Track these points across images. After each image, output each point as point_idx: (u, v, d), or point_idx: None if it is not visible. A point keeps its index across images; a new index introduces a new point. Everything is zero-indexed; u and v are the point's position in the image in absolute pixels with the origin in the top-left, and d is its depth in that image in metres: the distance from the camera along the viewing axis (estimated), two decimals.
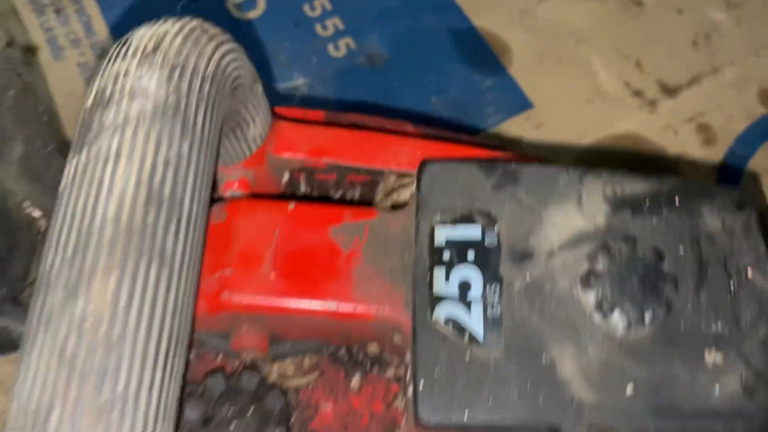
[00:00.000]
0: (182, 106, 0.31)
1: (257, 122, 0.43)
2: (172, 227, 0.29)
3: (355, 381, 0.47)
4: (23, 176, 0.44)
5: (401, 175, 0.48)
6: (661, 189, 0.44)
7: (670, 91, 0.94)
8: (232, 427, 0.40)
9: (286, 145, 0.47)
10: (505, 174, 0.43)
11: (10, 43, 0.44)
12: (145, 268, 0.27)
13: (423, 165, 0.44)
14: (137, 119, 0.29)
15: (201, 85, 0.32)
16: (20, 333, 0.42)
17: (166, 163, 0.29)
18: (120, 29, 0.88)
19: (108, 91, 0.30)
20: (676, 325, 0.40)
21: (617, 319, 0.39)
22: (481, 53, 0.93)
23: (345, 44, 0.93)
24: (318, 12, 0.94)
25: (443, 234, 0.41)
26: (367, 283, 0.41)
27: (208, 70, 0.33)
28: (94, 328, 0.26)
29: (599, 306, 0.39)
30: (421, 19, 0.95)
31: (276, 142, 0.46)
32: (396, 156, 0.48)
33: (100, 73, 0.32)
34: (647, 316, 0.39)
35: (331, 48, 0.91)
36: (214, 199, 0.43)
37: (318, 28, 0.93)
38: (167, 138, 0.29)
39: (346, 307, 0.41)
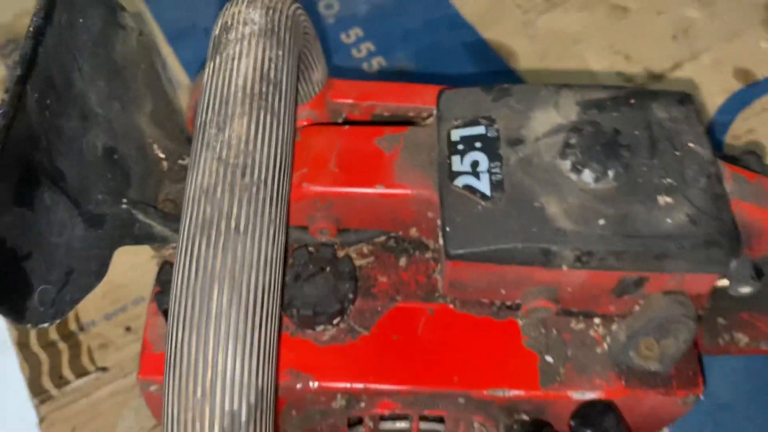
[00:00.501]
0: (275, 29, 0.47)
1: (319, 69, 0.59)
2: (277, 95, 0.45)
3: (403, 261, 0.62)
4: (152, 124, 0.61)
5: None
6: (620, 93, 0.59)
7: (656, 76, 1.09)
8: (315, 279, 0.55)
9: (340, 93, 0.63)
10: (501, 91, 0.59)
11: (141, 33, 0.62)
12: (263, 116, 0.43)
13: (440, 92, 0.60)
14: (249, 36, 0.46)
15: (286, 19, 0.49)
16: (159, 230, 0.59)
17: (269, 59, 0.46)
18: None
19: (230, 22, 0.47)
20: (635, 180, 0.54)
21: (588, 175, 0.53)
22: (491, 59, 1.11)
23: (377, 62, 1.11)
24: (353, 39, 1.14)
25: (457, 133, 0.57)
26: (404, 172, 0.57)
27: (289, 11, 0.50)
28: (237, 143, 0.42)
29: (574, 167, 0.54)
30: (439, 36, 1.14)
31: (333, 90, 0.63)
32: (422, 97, 0.64)
33: (222, 13, 0.49)
34: (610, 173, 0.53)
35: (365, 66, 1.10)
36: None
37: (353, 51, 1.12)
38: (268, 47, 0.46)
39: (389, 190, 0.56)
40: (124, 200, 0.56)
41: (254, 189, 0.40)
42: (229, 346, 0.36)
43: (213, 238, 0.38)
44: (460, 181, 0.55)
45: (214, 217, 0.39)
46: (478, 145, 0.56)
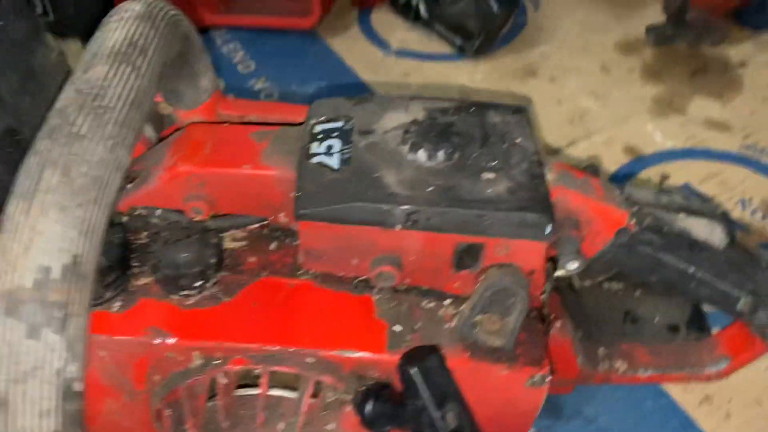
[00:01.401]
0: (151, 16, 0.58)
1: (206, 78, 0.69)
2: (140, 56, 0.54)
3: (273, 246, 0.68)
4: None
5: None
6: (463, 104, 0.69)
7: (553, 151, 1.21)
8: (181, 243, 0.61)
9: (229, 107, 0.73)
10: (361, 98, 0.69)
11: (60, 53, 0.72)
12: (123, 67, 0.52)
13: (313, 103, 0.70)
14: (128, 17, 0.56)
15: (162, 12, 0.59)
16: None
17: (140, 34, 0.55)
18: None
19: (116, 10, 0.57)
20: (464, 162, 0.63)
21: (421, 154, 0.62)
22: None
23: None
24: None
25: (319, 127, 0.66)
26: (270, 157, 0.65)
27: (168, 8, 0.60)
28: (94, 79, 0.50)
29: (411, 148, 0.62)
30: None
31: (222, 104, 0.73)
32: (302, 114, 0.73)
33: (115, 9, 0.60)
34: (440, 153, 0.62)
35: None
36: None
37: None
38: (141, 26, 0.56)
39: (255, 170, 0.64)
40: None
41: (100, 110, 0.48)
42: (51, 214, 0.42)
43: (55, 136, 0.45)
44: (314, 160, 0.63)
45: (61, 124, 0.46)
46: (335, 134, 0.65)
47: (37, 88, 0.69)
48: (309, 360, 0.60)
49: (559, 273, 0.71)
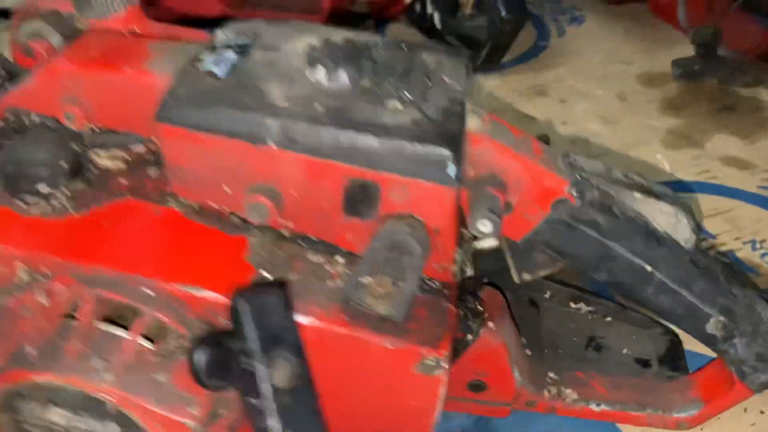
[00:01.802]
0: None
1: None
2: None
3: (152, 171, 0.58)
4: None
5: None
6: (398, 40, 0.60)
7: None
8: (32, 140, 0.53)
9: (147, 26, 0.66)
10: (282, 21, 0.60)
11: None
12: None
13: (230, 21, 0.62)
14: None
15: None
16: None
17: None
18: None
19: None
20: (373, 89, 0.53)
21: (321, 73, 0.52)
22: None
23: None
24: None
25: (222, 41, 0.57)
26: (158, 65, 0.56)
27: None
28: None
29: (311, 65, 0.53)
30: None
31: (141, 22, 0.65)
32: None
33: None
34: (342, 74, 0.52)
35: None
36: None
37: None
38: None
39: (135, 74, 0.56)
40: None
41: None
42: None
43: None
44: (200, 66, 0.54)
45: None
46: (236, 49, 0.56)
47: None
48: (146, 291, 0.50)
49: (480, 244, 0.60)
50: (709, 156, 1.11)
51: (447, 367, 0.53)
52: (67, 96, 0.57)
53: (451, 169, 0.49)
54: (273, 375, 0.42)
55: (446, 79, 0.56)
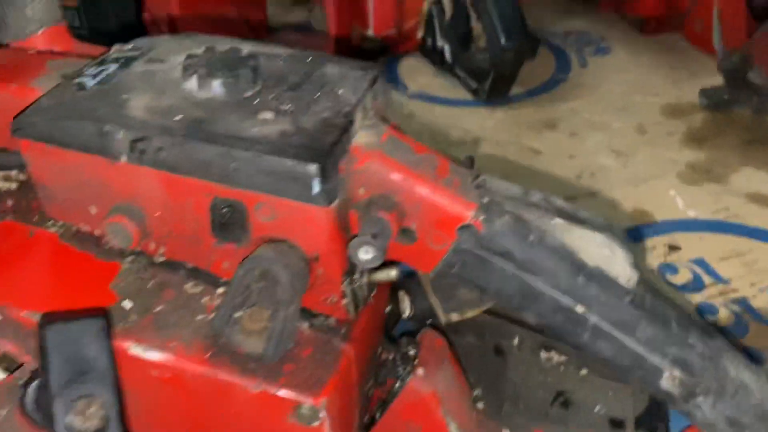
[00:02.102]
0: None
1: (35, 7, 0.61)
2: None
3: None
4: None
5: None
6: (303, 52, 0.55)
7: None
8: None
9: (70, 46, 0.64)
10: (187, 35, 0.57)
11: None
12: None
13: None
14: None
15: None
16: None
17: None
18: None
19: None
20: (250, 100, 0.48)
21: (193, 82, 0.48)
22: None
23: None
24: None
25: (113, 54, 0.54)
26: (46, 82, 0.54)
27: None
28: None
29: (184, 74, 0.48)
30: None
31: (62, 42, 0.64)
32: None
33: None
34: (216, 84, 0.47)
35: None
36: None
37: None
38: None
39: (21, 91, 0.53)
40: None
41: None
42: None
43: None
44: (76, 80, 0.51)
45: None
46: (120, 60, 0.53)
47: None
48: None
49: (377, 275, 0.53)
50: (731, 192, 1.00)
51: (328, 416, 0.46)
52: None
53: (317, 187, 0.43)
54: (73, 415, 0.36)
55: (340, 91, 0.51)
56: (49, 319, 0.39)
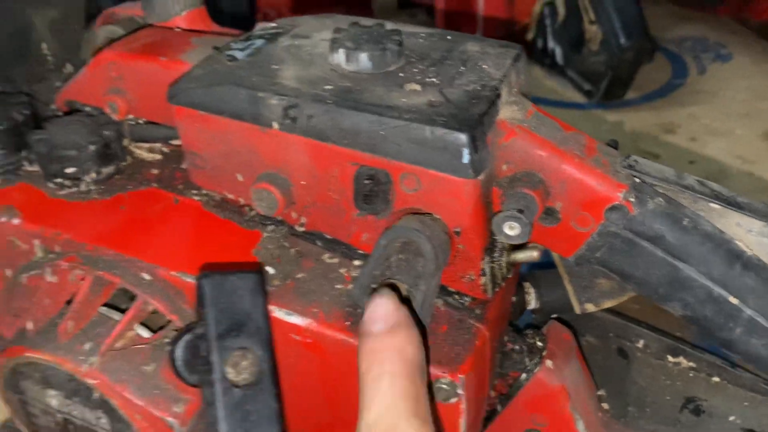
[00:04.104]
0: None
1: None
2: None
3: (186, 164, 0.57)
4: (48, 28, 0.69)
5: None
6: (444, 31, 0.55)
7: None
8: (67, 126, 0.54)
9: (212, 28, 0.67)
10: (327, 15, 0.58)
11: None
12: None
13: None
14: None
15: None
16: None
17: None
18: None
19: None
20: (395, 74, 0.48)
21: (341, 55, 0.48)
22: None
23: None
24: None
25: (259, 31, 0.56)
26: (193, 56, 0.56)
27: None
28: None
29: (332, 47, 0.49)
30: None
31: (204, 24, 0.66)
32: None
33: None
34: (363, 57, 0.48)
35: None
36: None
37: None
38: None
39: (171, 64, 0.55)
40: None
41: None
42: None
43: None
44: (224, 52, 0.52)
45: None
46: (266, 36, 0.54)
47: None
48: (143, 276, 0.48)
49: (517, 255, 0.51)
50: None
51: (466, 394, 0.45)
52: (111, 87, 0.59)
53: (466, 158, 0.43)
54: (227, 366, 0.37)
55: (484, 66, 0.50)
56: (207, 272, 0.40)
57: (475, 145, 0.43)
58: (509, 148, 0.47)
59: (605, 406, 0.65)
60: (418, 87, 0.47)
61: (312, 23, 0.56)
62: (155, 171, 0.57)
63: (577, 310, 0.56)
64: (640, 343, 0.72)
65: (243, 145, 0.49)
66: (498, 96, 0.47)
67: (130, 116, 0.59)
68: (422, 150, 0.44)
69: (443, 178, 0.44)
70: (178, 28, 0.63)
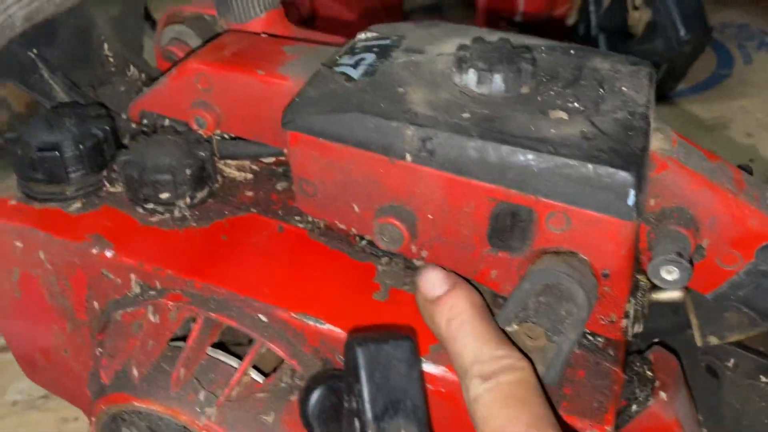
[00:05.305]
0: None
1: None
2: None
3: (281, 185, 0.53)
4: (111, 27, 0.64)
5: None
6: (563, 43, 0.51)
7: None
8: (160, 147, 0.50)
9: (290, 30, 0.62)
10: (430, 23, 0.53)
11: None
12: None
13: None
14: None
15: None
16: (56, 92, 0.58)
17: None
18: None
19: None
20: (532, 97, 0.44)
21: (471, 76, 0.44)
22: None
23: None
24: None
25: (362, 43, 0.51)
26: (292, 69, 0.52)
27: None
28: None
29: (459, 67, 0.45)
30: None
31: (282, 26, 0.62)
32: None
33: None
34: (497, 78, 0.44)
35: None
36: None
37: None
38: None
39: (268, 77, 0.51)
40: (35, 51, 0.57)
41: None
42: None
43: None
44: (337, 69, 0.48)
45: None
46: (375, 50, 0.50)
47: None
48: (260, 318, 0.44)
49: (659, 295, 0.49)
50: None
51: None
52: (197, 99, 0.54)
53: (632, 199, 0.39)
54: None
55: (625, 88, 0.46)
56: (357, 336, 0.36)
57: (640, 184, 0.39)
58: (660, 181, 0.44)
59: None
60: (564, 115, 0.43)
61: (420, 34, 0.52)
62: (250, 193, 0.53)
63: (699, 342, 0.54)
64: (731, 362, 0.70)
65: (365, 175, 0.45)
66: (649, 125, 0.43)
67: (217, 132, 0.55)
68: (580, 189, 0.40)
69: (601, 218, 0.40)
70: (265, 33, 0.59)
